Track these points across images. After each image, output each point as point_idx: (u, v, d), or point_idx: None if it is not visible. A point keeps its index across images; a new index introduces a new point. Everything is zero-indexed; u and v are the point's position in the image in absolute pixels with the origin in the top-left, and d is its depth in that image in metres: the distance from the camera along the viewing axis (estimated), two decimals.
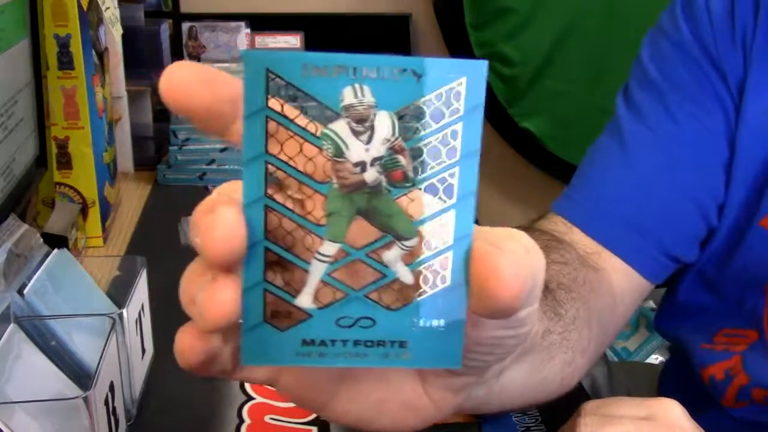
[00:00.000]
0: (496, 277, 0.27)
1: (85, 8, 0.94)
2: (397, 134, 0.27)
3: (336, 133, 0.27)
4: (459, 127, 0.27)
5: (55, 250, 0.63)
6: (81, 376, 0.56)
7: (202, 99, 0.27)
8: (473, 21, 1.64)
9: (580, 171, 0.69)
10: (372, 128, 0.27)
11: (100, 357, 0.54)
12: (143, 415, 0.65)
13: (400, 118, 0.27)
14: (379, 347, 0.29)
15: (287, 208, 0.27)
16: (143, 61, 1.35)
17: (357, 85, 0.26)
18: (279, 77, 0.26)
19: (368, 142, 0.27)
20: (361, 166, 0.27)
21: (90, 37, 0.96)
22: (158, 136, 1.29)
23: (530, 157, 1.74)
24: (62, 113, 0.94)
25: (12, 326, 0.54)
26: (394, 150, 0.27)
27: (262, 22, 1.56)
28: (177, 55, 1.51)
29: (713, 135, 0.64)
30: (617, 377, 0.92)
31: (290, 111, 0.27)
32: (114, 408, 0.56)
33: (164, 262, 0.88)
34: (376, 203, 0.28)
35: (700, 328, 0.71)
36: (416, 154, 0.27)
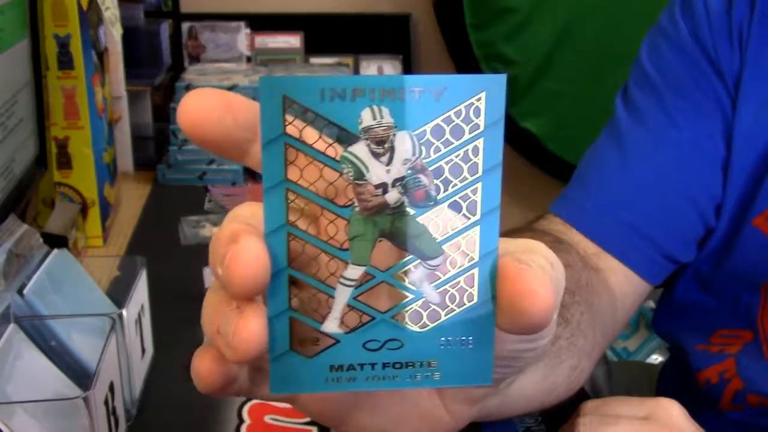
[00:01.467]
0: (530, 295, 0.26)
1: (85, 8, 0.94)
2: (417, 154, 0.27)
3: (356, 156, 0.27)
4: (480, 143, 0.27)
5: (55, 250, 0.63)
6: (81, 376, 0.56)
7: (222, 128, 0.27)
8: (473, 21, 1.64)
9: (578, 172, 0.69)
10: (392, 149, 0.27)
11: (100, 357, 0.54)
12: (143, 415, 0.65)
13: (420, 137, 0.27)
14: (408, 368, 0.28)
15: (310, 234, 0.27)
16: (143, 61, 1.35)
17: (375, 107, 0.26)
18: (296, 103, 0.26)
19: (389, 163, 0.27)
20: (383, 187, 0.27)
21: (90, 37, 0.96)
22: (158, 136, 1.29)
23: (530, 157, 1.74)
24: (62, 113, 0.94)
25: (12, 326, 0.54)
26: (415, 170, 0.27)
27: (262, 22, 1.56)
28: (177, 55, 1.51)
29: (711, 135, 0.64)
30: (617, 377, 0.92)
31: (309, 136, 0.26)
32: (114, 408, 0.56)
33: (164, 262, 0.89)
34: (400, 224, 0.27)
35: (696, 328, 0.71)
36: (438, 172, 0.27)
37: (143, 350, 0.67)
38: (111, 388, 0.56)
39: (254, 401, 0.67)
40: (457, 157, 0.27)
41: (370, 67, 1.63)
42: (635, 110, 0.67)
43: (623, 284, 0.64)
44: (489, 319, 0.28)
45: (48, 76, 0.92)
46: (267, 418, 0.65)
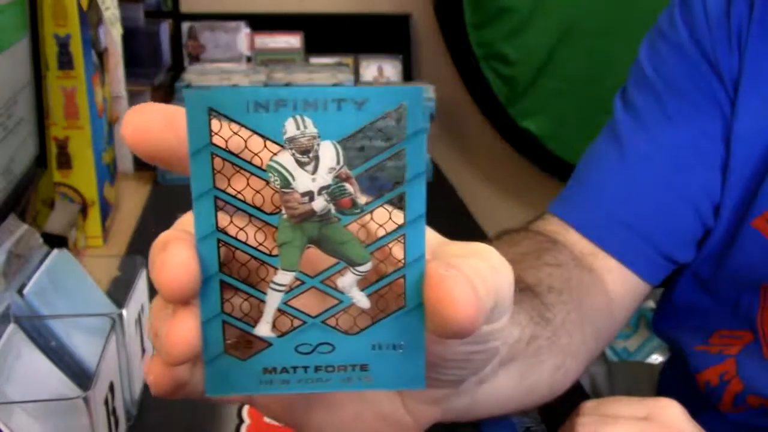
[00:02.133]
0: (449, 301, 0.27)
1: (85, 8, 0.94)
2: (341, 162, 0.27)
3: (281, 165, 0.27)
4: (403, 152, 0.27)
5: (55, 250, 0.63)
6: (81, 376, 0.56)
7: (166, 143, 0.28)
8: (473, 21, 1.64)
9: (576, 172, 0.69)
10: (317, 158, 0.27)
11: (100, 357, 0.54)
12: (143, 415, 0.65)
13: (344, 146, 0.27)
14: (341, 372, 0.29)
15: (240, 240, 0.28)
16: (143, 61, 1.35)
17: (299, 117, 0.27)
18: (221, 114, 0.27)
19: (314, 171, 0.27)
20: (309, 195, 0.28)
21: (90, 37, 0.96)
22: None
23: (530, 157, 1.74)
24: (62, 113, 0.94)
25: (12, 326, 0.54)
26: (340, 178, 0.28)
27: (261, 22, 1.56)
28: (177, 55, 1.51)
29: (710, 137, 0.64)
30: (617, 377, 0.92)
31: (235, 146, 0.27)
32: (114, 408, 0.56)
33: None
34: (327, 231, 0.28)
35: (695, 329, 0.71)
36: (363, 181, 0.28)
37: (143, 350, 0.67)
38: (111, 388, 0.56)
39: None
40: (381, 166, 0.28)
41: (370, 67, 1.63)
42: (634, 111, 0.67)
43: (620, 284, 0.64)
44: (419, 324, 0.29)
45: (48, 76, 0.92)
46: (267, 418, 0.65)
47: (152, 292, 0.70)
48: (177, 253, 0.27)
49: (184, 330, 0.27)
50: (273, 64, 1.50)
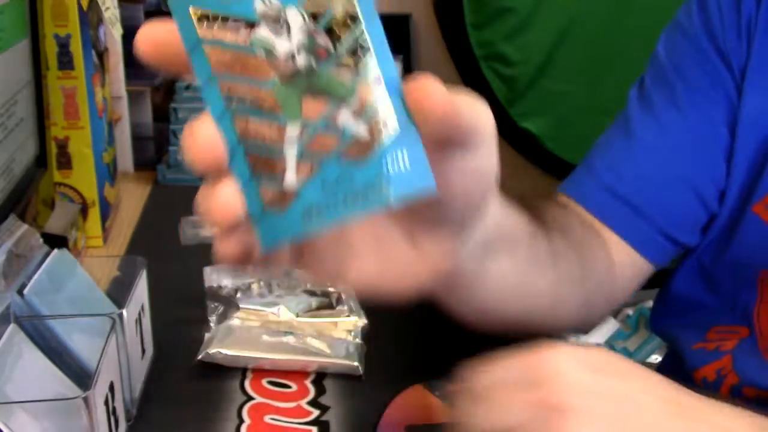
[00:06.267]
0: (425, 85, 0.32)
1: (85, 8, 0.94)
2: (307, 21, 0.32)
3: (261, 38, 0.32)
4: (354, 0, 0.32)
5: (55, 250, 0.64)
6: (81, 376, 0.56)
7: (177, 47, 0.33)
8: (473, 21, 1.64)
9: (586, 156, 0.71)
10: (287, 24, 0.32)
11: (100, 357, 0.54)
12: (143, 415, 0.65)
13: (305, 8, 0.32)
14: (366, 197, 0.33)
15: (247, 107, 0.33)
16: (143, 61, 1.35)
17: None
18: (201, 9, 0.32)
19: (288, 36, 0.32)
20: (291, 56, 0.33)
21: (90, 37, 0.96)
22: (158, 136, 1.29)
23: (530, 157, 1.74)
24: (62, 113, 0.94)
25: (12, 326, 0.54)
26: (310, 35, 0.33)
27: None
28: None
29: (716, 124, 0.65)
30: None
31: (220, 34, 0.32)
32: (114, 408, 0.56)
33: (164, 262, 0.88)
34: (314, 80, 0.33)
35: (693, 325, 0.72)
36: (329, 32, 0.33)
37: (143, 350, 0.67)
38: (111, 388, 0.56)
39: (254, 401, 0.67)
40: (338, 15, 0.32)
41: None
42: (645, 98, 0.69)
43: (623, 255, 0.66)
44: (413, 134, 0.33)
45: (48, 76, 0.92)
46: (267, 418, 0.65)
47: (152, 292, 0.70)
48: (203, 129, 0.32)
49: (226, 195, 0.33)
50: None
